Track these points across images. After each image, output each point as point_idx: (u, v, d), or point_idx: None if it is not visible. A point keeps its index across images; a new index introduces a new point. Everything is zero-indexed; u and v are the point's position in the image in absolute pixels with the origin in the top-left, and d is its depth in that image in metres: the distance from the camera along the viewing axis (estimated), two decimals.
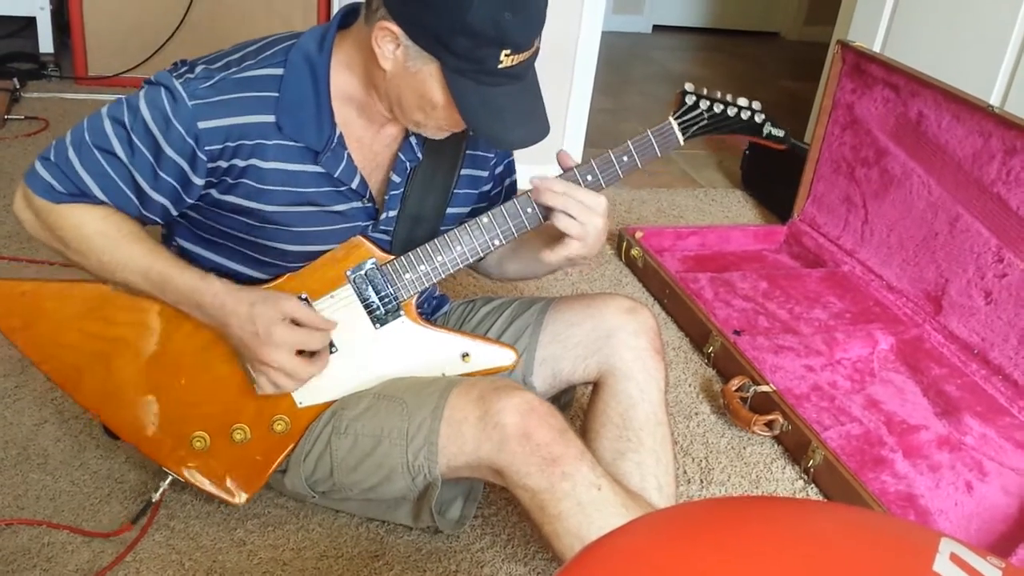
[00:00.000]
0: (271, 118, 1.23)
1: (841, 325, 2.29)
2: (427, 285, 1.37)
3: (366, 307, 1.37)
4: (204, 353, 1.36)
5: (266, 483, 1.45)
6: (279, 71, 1.24)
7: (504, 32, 1.13)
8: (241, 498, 1.42)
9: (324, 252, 1.35)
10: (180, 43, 3.30)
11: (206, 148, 1.21)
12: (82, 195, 1.25)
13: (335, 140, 1.27)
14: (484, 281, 2.31)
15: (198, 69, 1.23)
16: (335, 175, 1.29)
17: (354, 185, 1.32)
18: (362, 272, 1.36)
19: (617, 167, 1.36)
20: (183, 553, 1.45)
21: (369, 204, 1.35)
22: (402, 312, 1.38)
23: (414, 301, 1.39)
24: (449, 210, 1.43)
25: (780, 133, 1.43)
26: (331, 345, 1.36)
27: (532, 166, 3.05)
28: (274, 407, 1.38)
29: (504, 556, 1.51)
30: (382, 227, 1.38)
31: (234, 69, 1.23)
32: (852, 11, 3.02)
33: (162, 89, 1.21)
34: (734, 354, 2.04)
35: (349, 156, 1.30)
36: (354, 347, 1.38)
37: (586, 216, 1.31)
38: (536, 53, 1.21)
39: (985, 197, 2.14)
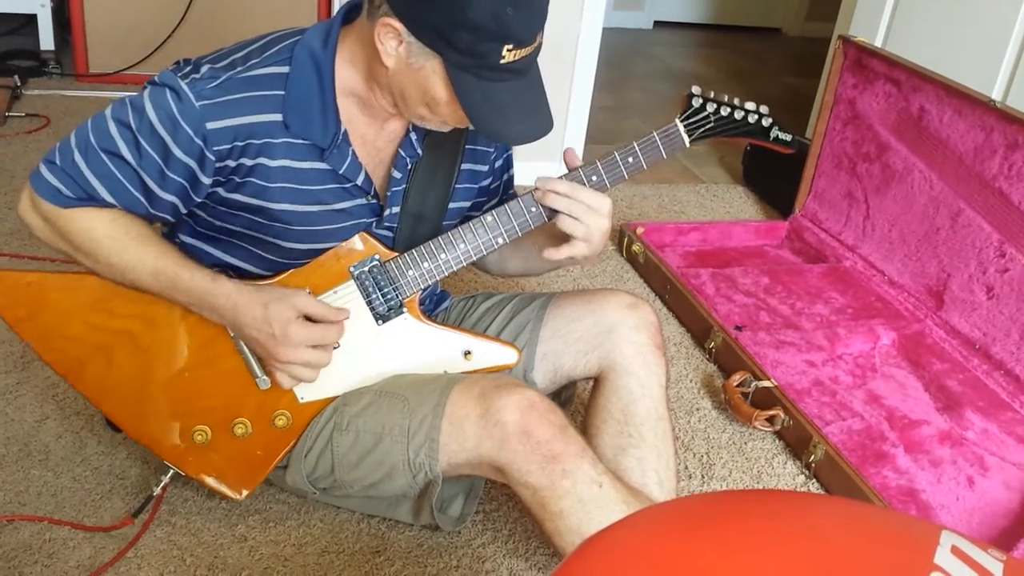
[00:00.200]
0: (278, 117, 1.23)
1: (843, 320, 2.29)
2: (430, 283, 1.37)
3: (369, 304, 1.37)
4: (207, 347, 1.36)
5: (267, 479, 1.45)
6: (285, 69, 1.24)
7: (506, 27, 1.13)
8: (241, 493, 1.43)
9: (328, 249, 1.35)
10: (181, 40, 3.30)
11: (214, 148, 1.21)
12: (90, 199, 1.24)
13: (340, 136, 1.27)
14: (485, 277, 2.31)
15: (203, 69, 1.22)
16: (340, 171, 1.29)
17: (359, 181, 1.32)
18: (365, 269, 1.36)
19: (622, 168, 1.36)
20: (184, 549, 1.45)
21: (373, 200, 1.35)
22: (405, 309, 1.38)
23: (417, 298, 1.39)
24: (450, 205, 1.43)
25: (787, 137, 1.42)
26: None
27: (535, 163, 3.04)
28: (276, 402, 1.39)
29: (505, 551, 1.51)
30: (386, 224, 1.38)
31: (240, 68, 1.23)
32: (853, 6, 3.01)
33: (167, 90, 1.20)
34: (735, 349, 2.04)
35: (354, 152, 1.30)
36: (356, 343, 1.38)
37: (590, 218, 1.31)
38: (539, 48, 1.21)
39: (987, 192, 2.14)
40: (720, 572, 0.64)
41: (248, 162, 1.24)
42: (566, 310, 1.53)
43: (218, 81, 1.21)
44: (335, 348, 1.36)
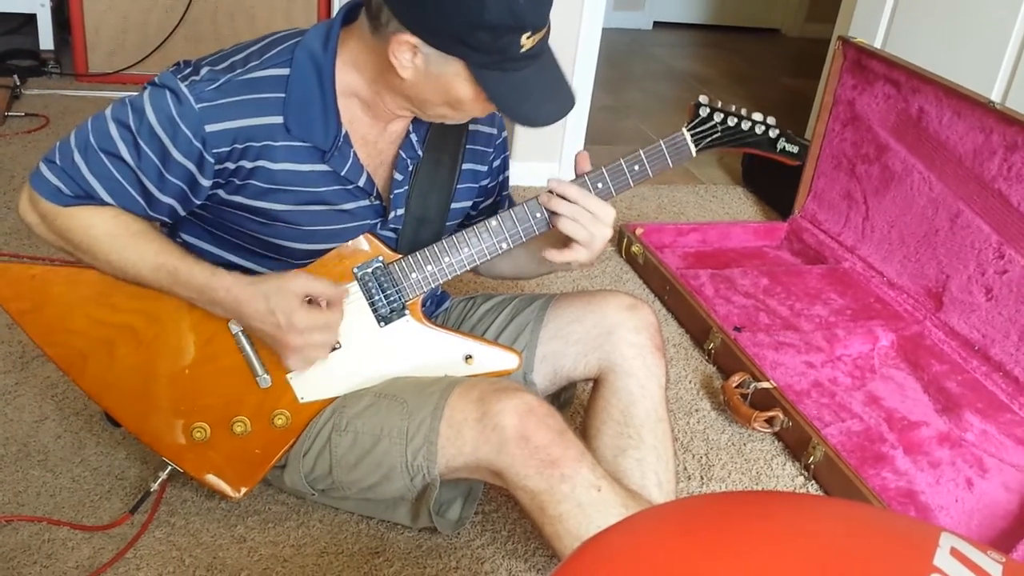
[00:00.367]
0: (279, 119, 1.23)
1: (842, 321, 2.29)
2: (433, 286, 1.37)
3: (371, 305, 1.37)
4: (208, 344, 1.36)
5: (265, 479, 1.45)
6: (285, 71, 1.24)
7: (521, 17, 1.13)
8: (239, 492, 1.42)
9: (332, 250, 1.35)
10: (180, 40, 3.30)
11: (213, 151, 1.21)
12: (88, 198, 1.24)
13: (341, 139, 1.27)
14: (485, 278, 2.31)
15: (203, 71, 1.22)
16: (342, 173, 1.29)
17: (361, 183, 1.32)
18: (369, 270, 1.36)
19: (628, 176, 1.35)
20: (183, 549, 1.45)
21: (376, 202, 1.35)
22: (407, 312, 1.38)
23: (420, 301, 1.39)
24: (452, 205, 1.42)
25: (794, 149, 1.41)
26: (335, 342, 1.36)
27: (534, 163, 3.04)
28: (275, 401, 1.39)
29: (504, 552, 1.51)
30: (391, 225, 1.38)
31: (239, 70, 1.22)
32: (853, 7, 3.01)
33: (167, 92, 1.20)
34: (735, 351, 2.04)
35: (355, 154, 1.30)
36: (358, 344, 1.38)
37: (594, 225, 1.32)
38: (549, 27, 1.21)
39: (986, 193, 2.14)
40: (719, 574, 0.64)
41: (248, 164, 1.24)
42: (566, 311, 1.53)
43: (217, 83, 1.20)
44: (337, 348, 1.36)
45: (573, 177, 1.36)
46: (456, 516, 1.46)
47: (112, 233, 1.26)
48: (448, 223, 1.43)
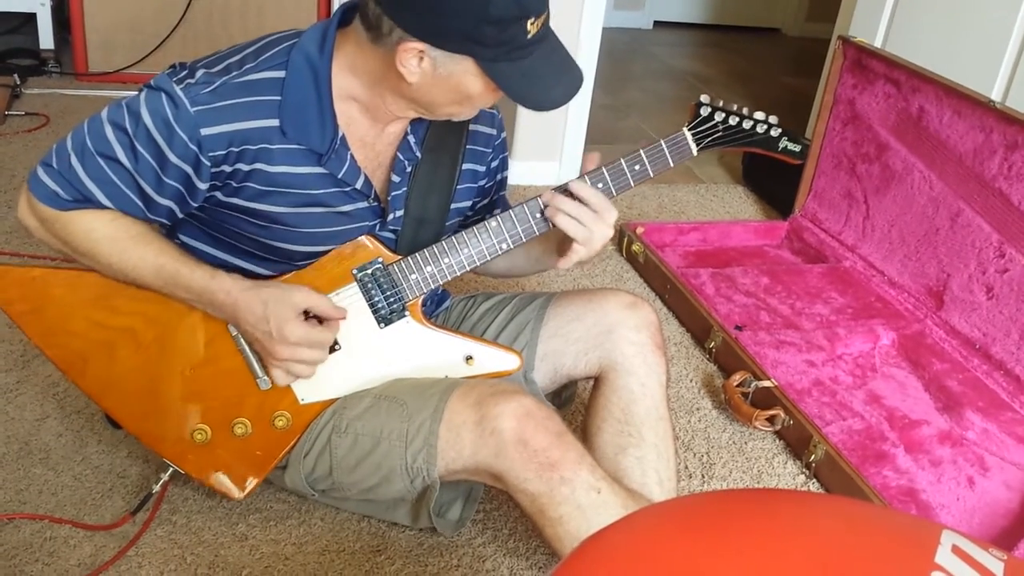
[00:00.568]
0: (275, 122, 1.23)
1: (842, 320, 2.29)
2: (433, 287, 1.37)
3: (371, 307, 1.37)
4: (208, 346, 1.36)
5: (266, 479, 1.45)
6: (280, 73, 1.23)
7: (525, 5, 1.13)
8: (240, 493, 1.42)
9: (331, 251, 1.35)
10: (181, 39, 3.30)
11: (209, 154, 1.21)
12: (87, 201, 1.24)
13: (338, 141, 1.27)
14: (485, 277, 2.31)
15: (198, 73, 1.21)
16: (339, 176, 1.29)
17: (358, 185, 1.31)
18: (368, 271, 1.36)
19: (629, 176, 1.35)
20: (185, 548, 1.45)
21: (375, 204, 1.35)
22: (407, 313, 1.38)
23: (420, 302, 1.39)
24: (452, 206, 1.42)
25: (796, 148, 1.41)
26: (335, 343, 1.36)
27: (534, 163, 3.03)
28: (276, 403, 1.39)
29: (505, 551, 1.52)
30: (390, 227, 1.38)
31: (235, 73, 1.22)
32: (853, 6, 3.01)
33: (163, 95, 1.20)
34: (735, 349, 2.04)
35: (352, 157, 1.30)
36: (358, 346, 1.38)
37: (595, 225, 1.31)
38: (549, 9, 1.21)
39: (986, 192, 2.14)
40: (720, 572, 0.64)
41: (244, 167, 1.24)
42: (566, 310, 1.53)
43: (213, 86, 1.20)
44: (337, 350, 1.36)
45: (576, 176, 1.36)
46: (456, 517, 1.46)
47: (112, 236, 1.26)
48: (447, 223, 1.43)
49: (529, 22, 1.15)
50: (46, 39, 3.38)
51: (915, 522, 0.77)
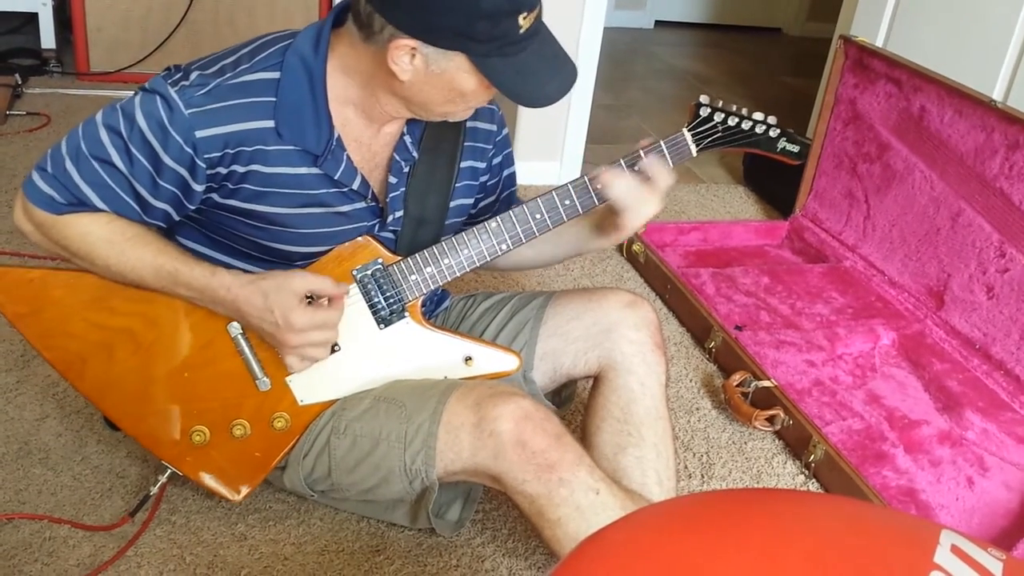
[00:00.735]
0: (270, 123, 1.22)
1: (843, 320, 2.29)
2: (433, 287, 1.37)
3: (371, 307, 1.37)
4: (207, 347, 1.36)
5: (265, 479, 1.45)
6: (275, 74, 1.23)
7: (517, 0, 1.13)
8: (239, 494, 1.42)
9: (330, 251, 1.35)
10: (182, 39, 3.31)
11: (205, 156, 1.21)
12: (82, 205, 1.24)
13: (334, 142, 1.27)
14: (485, 276, 2.31)
15: (193, 75, 1.21)
16: (335, 177, 1.29)
17: (355, 186, 1.31)
18: (368, 272, 1.36)
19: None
20: (184, 548, 1.45)
21: (373, 204, 1.35)
22: (407, 314, 1.38)
23: (419, 302, 1.39)
24: (452, 203, 1.42)
25: (795, 149, 1.41)
26: (334, 345, 1.36)
27: (533, 162, 3.03)
28: (275, 404, 1.38)
29: (504, 551, 1.51)
30: (389, 227, 1.37)
31: (229, 74, 1.21)
32: (854, 6, 3.01)
33: (157, 97, 1.19)
34: (735, 349, 2.04)
35: (348, 158, 1.29)
36: (357, 347, 1.38)
37: (645, 206, 1.36)
38: (541, 3, 1.20)
39: (987, 192, 2.14)
40: (719, 572, 0.64)
41: (240, 169, 1.24)
42: (566, 309, 1.53)
43: (207, 88, 1.19)
44: (336, 351, 1.36)
45: (576, 176, 1.36)
46: (455, 517, 1.46)
47: (109, 239, 1.26)
48: (449, 221, 1.43)
49: (521, 17, 1.14)
50: (47, 39, 3.38)
51: (914, 522, 0.77)
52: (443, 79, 1.19)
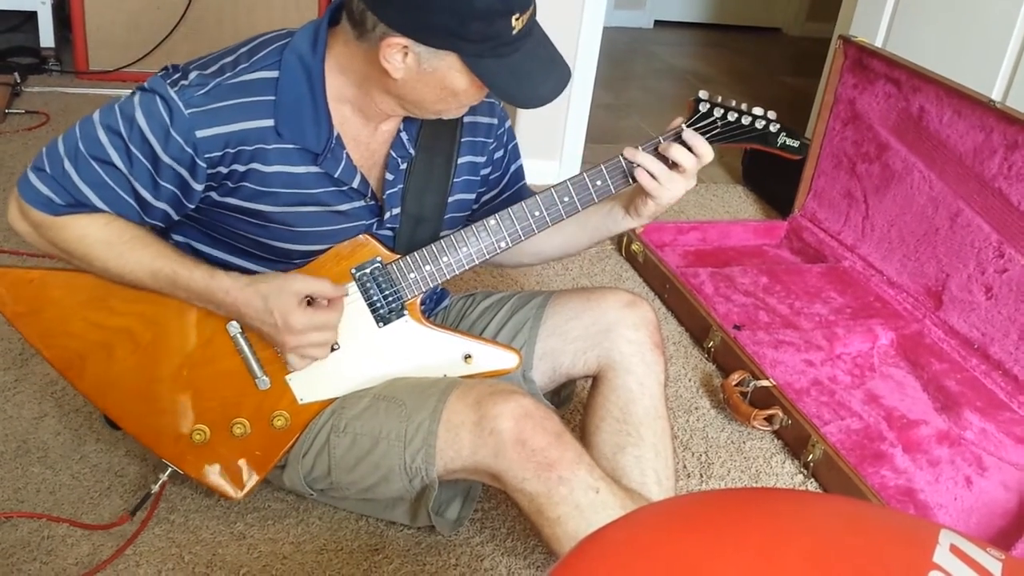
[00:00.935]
0: (270, 122, 1.22)
1: (841, 320, 2.29)
2: (432, 286, 1.37)
3: (370, 306, 1.37)
4: (206, 347, 1.36)
5: (264, 479, 1.45)
6: (274, 73, 1.23)
7: (509, 0, 1.13)
8: (239, 493, 1.42)
9: (329, 250, 1.35)
10: (181, 38, 3.30)
11: (205, 156, 1.20)
12: (82, 206, 1.23)
13: (333, 141, 1.27)
14: (484, 275, 2.31)
15: (192, 75, 1.20)
16: (335, 175, 1.29)
17: (355, 184, 1.31)
18: (367, 271, 1.35)
19: (627, 172, 1.35)
20: (183, 547, 1.45)
21: (371, 202, 1.35)
22: (406, 312, 1.38)
23: (418, 301, 1.39)
24: (451, 198, 1.42)
25: (795, 144, 1.40)
26: (333, 344, 1.36)
27: (534, 160, 3.06)
28: (275, 403, 1.38)
29: (504, 550, 1.51)
30: (388, 225, 1.37)
31: (228, 74, 1.21)
32: (854, 6, 3.01)
33: (157, 97, 1.19)
34: (734, 349, 2.04)
35: (348, 156, 1.29)
36: (356, 345, 1.38)
37: (673, 183, 1.35)
38: (535, 5, 1.20)
39: (986, 192, 2.14)
40: (718, 571, 0.64)
41: (241, 168, 1.24)
42: (565, 308, 1.53)
43: (207, 88, 1.19)
44: (336, 349, 1.36)
45: (575, 173, 1.36)
46: (455, 516, 1.46)
47: (107, 241, 1.26)
48: (448, 215, 1.42)
49: (514, 17, 1.14)
50: (47, 37, 3.38)
51: (913, 521, 0.77)
52: (435, 78, 1.19)
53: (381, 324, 1.38)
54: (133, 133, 1.20)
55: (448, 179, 1.40)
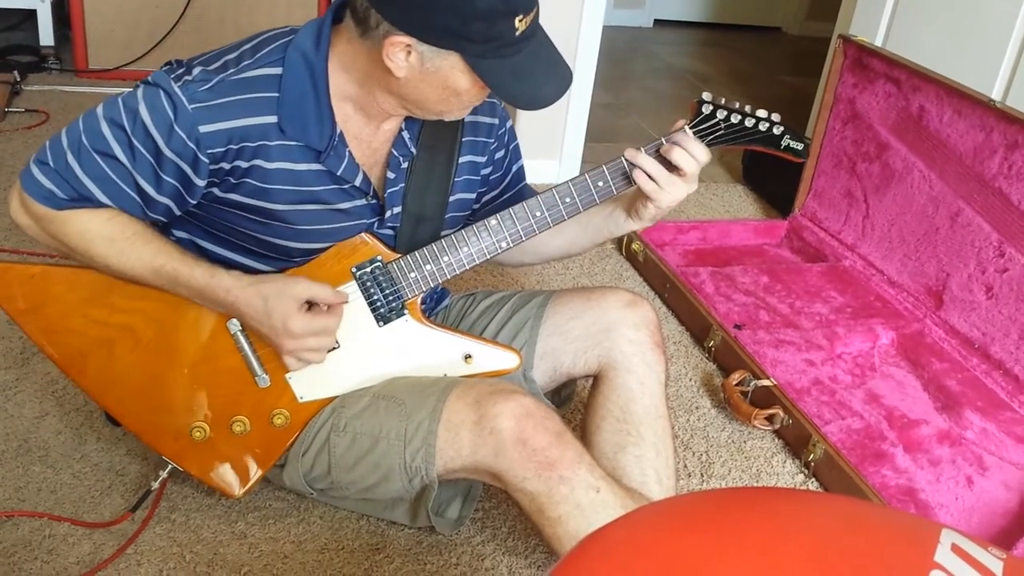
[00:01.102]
0: (273, 119, 1.22)
1: (842, 319, 2.29)
2: (432, 285, 1.37)
3: (370, 305, 1.37)
4: (207, 344, 1.36)
5: (265, 477, 1.45)
6: (277, 70, 1.23)
7: (512, 1, 1.13)
8: (239, 490, 1.42)
9: (329, 248, 1.35)
10: (181, 36, 3.30)
11: (208, 151, 1.20)
12: (85, 200, 1.23)
13: (336, 139, 1.27)
14: (485, 275, 2.31)
15: (195, 71, 1.21)
16: (338, 173, 1.29)
17: (357, 182, 1.31)
18: (368, 270, 1.35)
19: (630, 173, 1.35)
20: (184, 546, 1.45)
21: (373, 201, 1.35)
22: (406, 311, 1.38)
23: (419, 300, 1.39)
24: (452, 197, 1.42)
25: (799, 146, 1.39)
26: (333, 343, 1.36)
27: (533, 160, 3.06)
28: (275, 401, 1.38)
29: (504, 549, 1.52)
30: (388, 224, 1.37)
31: (232, 70, 1.21)
32: (854, 6, 3.01)
33: (160, 92, 1.19)
34: (735, 348, 2.04)
35: (350, 154, 1.29)
36: (356, 344, 1.38)
37: (672, 187, 1.35)
38: (539, 7, 1.20)
39: (986, 191, 2.14)
40: (718, 569, 0.64)
41: (243, 164, 1.24)
42: (565, 308, 1.53)
43: (210, 84, 1.19)
44: (336, 348, 1.36)
45: (576, 173, 1.36)
46: (455, 515, 1.46)
47: (109, 237, 1.26)
48: (449, 215, 1.42)
49: (517, 19, 1.14)
50: (46, 36, 3.38)
51: (914, 521, 0.77)
52: (437, 77, 1.19)
53: (381, 323, 1.38)
54: (136, 127, 1.20)
55: (449, 178, 1.40)
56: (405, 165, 1.36)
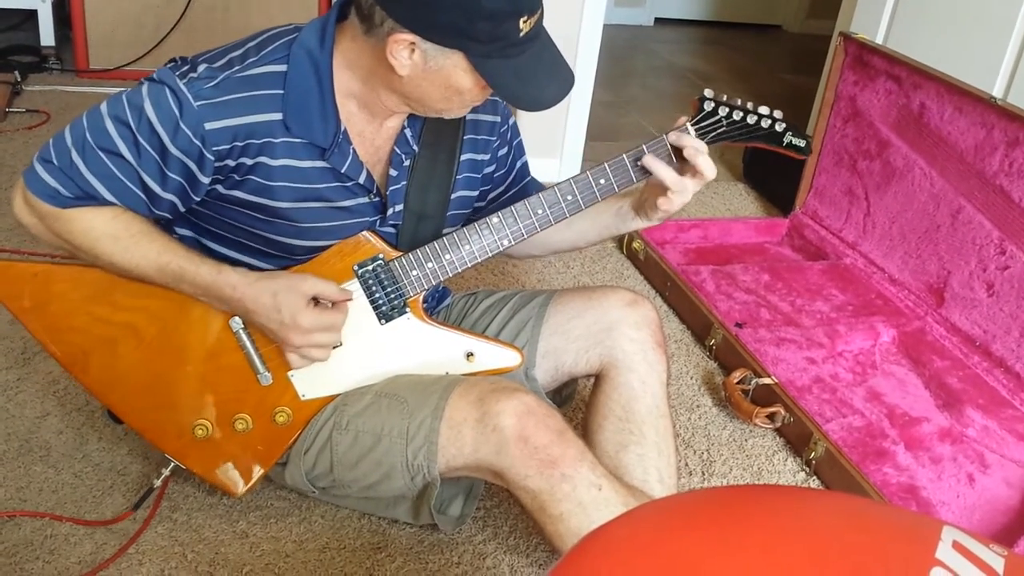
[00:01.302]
0: (278, 116, 1.22)
1: (843, 317, 2.29)
2: (434, 283, 1.37)
3: (372, 303, 1.37)
4: (209, 343, 1.36)
5: (266, 476, 1.45)
6: (282, 67, 1.23)
7: (518, 2, 1.13)
8: (241, 488, 1.43)
9: (332, 246, 1.35)
10: (182, 36, 3.30)
11: (213, 148, 1.20)
12: (90, 198, 1.23)
13: (340, 136, 1.27)
14: (486, 274, 2.31)
15: (200, 68, 1.21)
16: (342, 171, 1.29)
17: (361, 180, 1.31)
18: (370, 268, 1.36)
19: (631, 172, 1.35)
20: (185, 545, 1.45)
21: (376, 199, 1.35)
22: (408, 309, 1.38)
23: (421, 298, 1.39)
24: (454, 195, 1.42)
25: (801, 143, 1.38)
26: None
27: (535, 159, 3.05)
28: (277, 399, 1.39)
29: (506, 548, 1.52)
30: (390, 222, 1.37)
31: (237, 67, 1.21)
32: (854, 3, 3.01)
33: (166, 89, 1.19)
34: (736, 346, 2.04)
35: (354, 151, 1.30)
36: (359, 342, 1.38)
37: (681, 188, 1.33)
38: (543, 8, 1.20)
39: (987, 189, 2.14)
40: (720, 567, 0.64)
41: (248, 161, 1.24)
42: (567, 307, 1.53)
43: (216, 81, 1.20)
44: (338, 346, 1.36)
45: (577, 171, 1.36)
46: (457, 513, 1.46)
47: (113, 235, 1.26)
48: (451, 213, 1.42)
49: (522, 20, 1.14)
50: (47, 36, 3.38)
51: (916, 518, 0.77)
52: (441, 76, 1.19)
53: (383, 321, 1.38)
54: (142, 124, 1.20)
55: (451, 176, 1.40)
56: (407, 163, 1.36)
